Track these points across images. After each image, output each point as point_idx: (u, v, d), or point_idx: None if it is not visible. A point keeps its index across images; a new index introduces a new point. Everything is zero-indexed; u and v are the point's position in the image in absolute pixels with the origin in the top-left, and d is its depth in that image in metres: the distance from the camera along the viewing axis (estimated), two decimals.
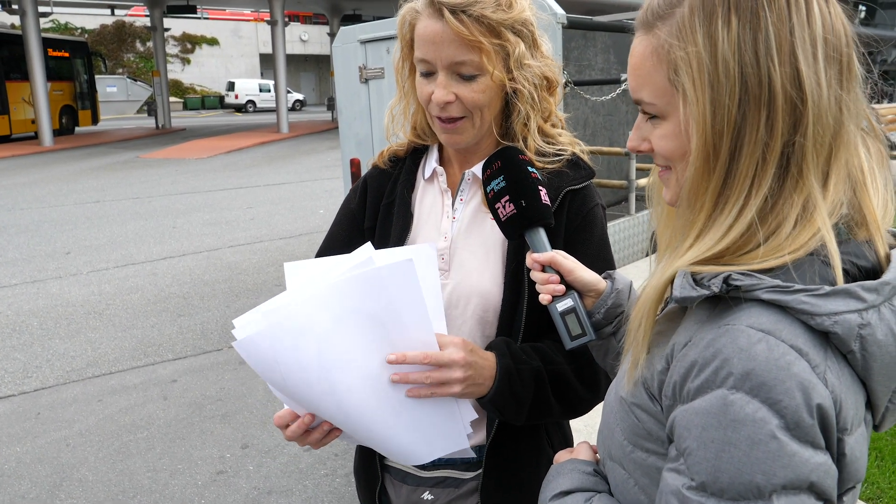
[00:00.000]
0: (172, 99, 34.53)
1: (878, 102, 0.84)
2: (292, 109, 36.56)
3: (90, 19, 41.92)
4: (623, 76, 5.09)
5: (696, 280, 0.75)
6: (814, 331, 0.71)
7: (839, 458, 0.71)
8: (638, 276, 1.31)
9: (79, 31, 40.14)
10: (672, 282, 0.79)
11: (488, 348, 1.21)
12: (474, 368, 1.13)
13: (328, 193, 11.74)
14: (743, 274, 0.73)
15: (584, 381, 1.25)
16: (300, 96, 43.33)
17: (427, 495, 1.37)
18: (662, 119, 0.81)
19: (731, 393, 0.69)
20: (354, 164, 5.38)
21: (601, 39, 5.12)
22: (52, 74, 21.75)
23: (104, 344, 5.35)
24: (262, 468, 3.58)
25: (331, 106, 31.73)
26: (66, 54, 24.04)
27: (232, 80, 42.44)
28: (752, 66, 0.72)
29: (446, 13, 1.14)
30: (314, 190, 12.36)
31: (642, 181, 5.03)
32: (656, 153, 0.84)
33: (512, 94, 1.24)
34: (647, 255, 5.10)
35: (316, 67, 50.03)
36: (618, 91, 5.02)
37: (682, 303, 0.76)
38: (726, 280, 0.73)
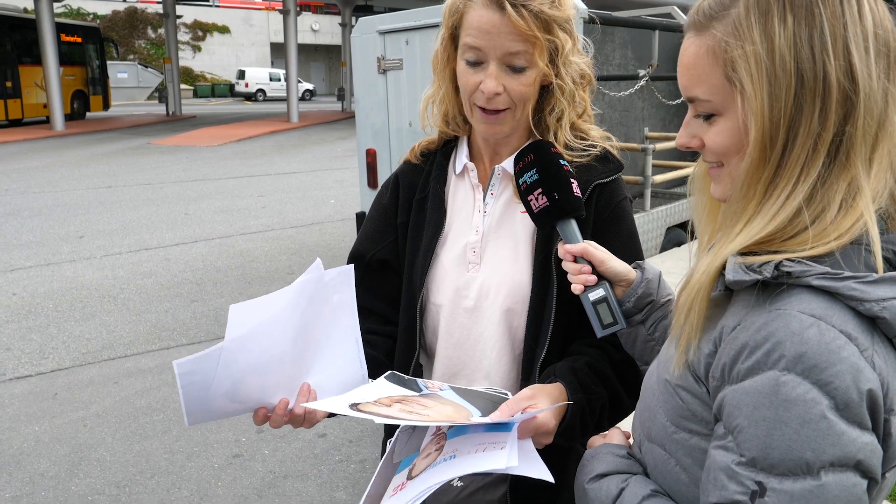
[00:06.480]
0: (183, 86, 34.51)
1: None
2: (302, 99, 36.53)
3: (102, 5, 41.99)
4: (641, 72, 5.09)
5: (748, 266, 0.78)
6: (861, 316, 0.74)
7: (885, 437, 0.74)
8: None
9: (91, 16, 40.18)
10: (723, 267, 0.82)
11: (554, 378, 1.21)
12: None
13: (339, 183, 11.77)
14: (793, 261, 0.76)
15: (631, 394, 1.25)
16: (310, 86, 43.29)
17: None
18: (719, 116, 0.84)
19: (783, 374, 0.72)
20: (370, 155, 5.40)
21: (619, 35, 5.13)
22: (64, 59, 21.82)
23: (119, 327, 5.41)
24: (278, 452, 3.63)
25: (341, 96, 31.67)
26: (79, 39, 24.12)
27: (242, 69, 42.43)
28: (809, 61, 0.76)
29: (507, 6, 1.16)
30: (325, 180, 12.39)
31: (658, 178, 5.03)
32: (708, 150, 0.87)
33: (556, 88, 1.26)
34: (660, 251, 5.11)
35: (326, 57, 49.99)
36: (636, 87, 5.03)
37: (734, 286, 0.79)
38: (777, 266, 0.76)
